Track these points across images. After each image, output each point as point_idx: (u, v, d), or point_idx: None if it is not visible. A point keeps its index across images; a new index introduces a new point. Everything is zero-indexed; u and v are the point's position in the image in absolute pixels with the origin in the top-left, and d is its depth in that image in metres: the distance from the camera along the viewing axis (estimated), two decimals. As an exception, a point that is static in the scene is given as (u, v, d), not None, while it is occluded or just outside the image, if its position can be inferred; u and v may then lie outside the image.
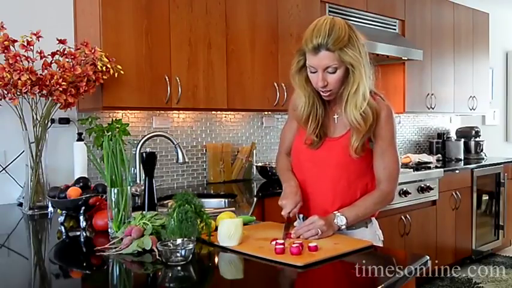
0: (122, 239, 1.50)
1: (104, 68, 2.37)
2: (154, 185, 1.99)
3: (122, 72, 2.48)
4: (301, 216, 1.85)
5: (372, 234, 1.79)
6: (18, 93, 2.24)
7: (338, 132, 1.75)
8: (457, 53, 4.88)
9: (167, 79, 2.71)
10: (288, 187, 1.78)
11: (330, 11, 3.61)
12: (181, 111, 3.17)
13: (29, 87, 2.19)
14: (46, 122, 2.36)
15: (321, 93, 1.70)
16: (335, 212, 1.67)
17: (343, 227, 1.66)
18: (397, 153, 1.75)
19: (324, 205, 1.75)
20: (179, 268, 1.34)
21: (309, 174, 1.79)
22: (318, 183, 1.77)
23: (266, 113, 3.64)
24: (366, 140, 1.69)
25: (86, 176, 2.36)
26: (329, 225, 1.62)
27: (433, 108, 4.61)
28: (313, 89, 1.72)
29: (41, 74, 2.25)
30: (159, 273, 1.37)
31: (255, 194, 2.99)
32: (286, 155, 1.94)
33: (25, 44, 2.25)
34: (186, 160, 2.61)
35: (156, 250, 1.42)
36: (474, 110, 5.13)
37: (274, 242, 1.47)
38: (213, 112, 3.34)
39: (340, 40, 1.59)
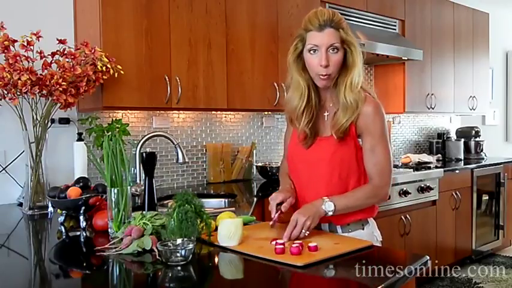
0: (122, 239, 1.51)
1: (103, 68, 2.37)
2: (154, 185, 1.99)
3: (121, 72, 2.48)
4: None
5: (369, 236, 1.77)
6: (18, 93, 2.24)
7: (328, 131, 1.76)
8: (457, 53, 4.88)
9: (167, 79, 2.71)
10: (282, 186, 1.84)
11: (330, 11, 3.61)
12: (181, 111, 3.17)
13: (29, 87, 2.19)
14: (46, 122, 2.36)
15: (319, 78, 1.69)
16: (324, 198, 1.66)
17: (330, 213, 1.65)
18: (388, 148, 1.73)
19: None
20: (179, 268, 1.34)
21: (303, 175, 1.81)
22: (312, 183, 1.78)
23: (266, 113, 3.64)
24: (348, 127, 1.69)
25: (86, 176, 2.36)
26: (313, 215, 1.61)
27: (433, 108, 4.61)
28: (309, 78, 1.73)
29: (41, 74, 2.25)
30: (159, 273, 1.37)
31: (255, 194, 2.99)
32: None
33: (25, 44, 2.25)
34: (186, 160, 2.61)
35: (156, 250, 1.42)
36: (474, 110, 5.13)
37: (274, 242, 1.47)
38: (213, 112, 3.34)
39: (342, 22, 1.69)
